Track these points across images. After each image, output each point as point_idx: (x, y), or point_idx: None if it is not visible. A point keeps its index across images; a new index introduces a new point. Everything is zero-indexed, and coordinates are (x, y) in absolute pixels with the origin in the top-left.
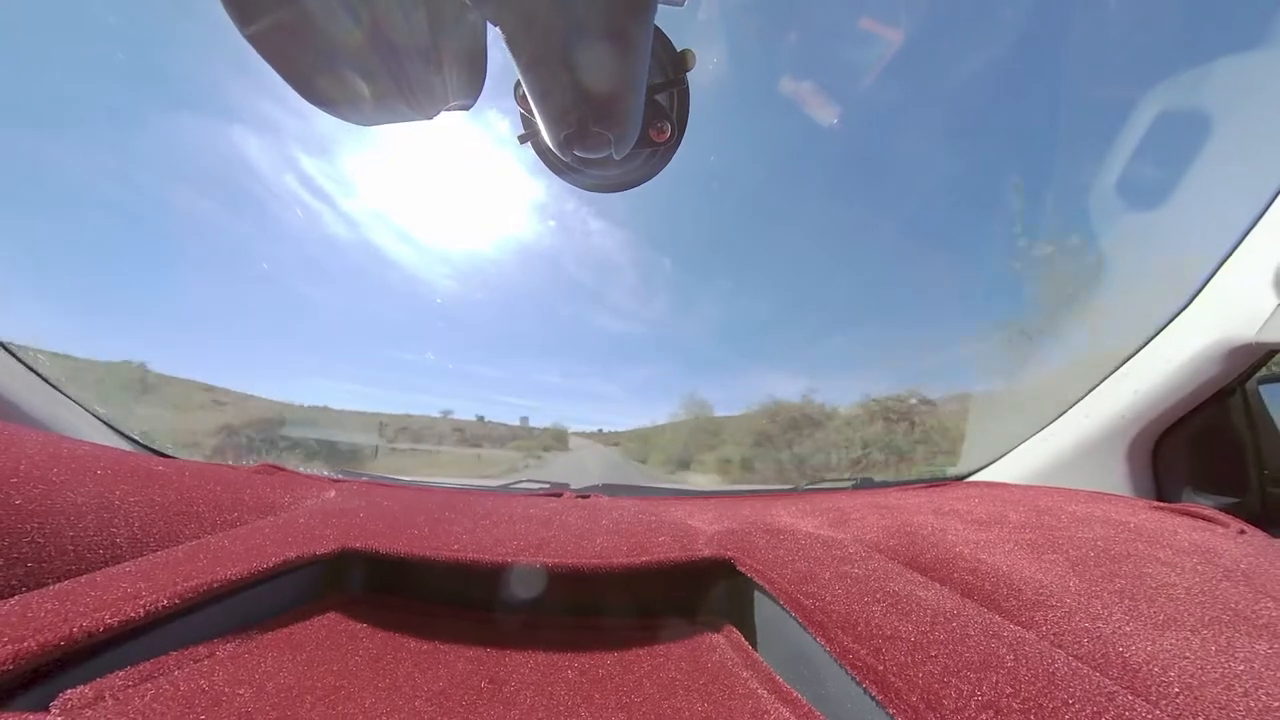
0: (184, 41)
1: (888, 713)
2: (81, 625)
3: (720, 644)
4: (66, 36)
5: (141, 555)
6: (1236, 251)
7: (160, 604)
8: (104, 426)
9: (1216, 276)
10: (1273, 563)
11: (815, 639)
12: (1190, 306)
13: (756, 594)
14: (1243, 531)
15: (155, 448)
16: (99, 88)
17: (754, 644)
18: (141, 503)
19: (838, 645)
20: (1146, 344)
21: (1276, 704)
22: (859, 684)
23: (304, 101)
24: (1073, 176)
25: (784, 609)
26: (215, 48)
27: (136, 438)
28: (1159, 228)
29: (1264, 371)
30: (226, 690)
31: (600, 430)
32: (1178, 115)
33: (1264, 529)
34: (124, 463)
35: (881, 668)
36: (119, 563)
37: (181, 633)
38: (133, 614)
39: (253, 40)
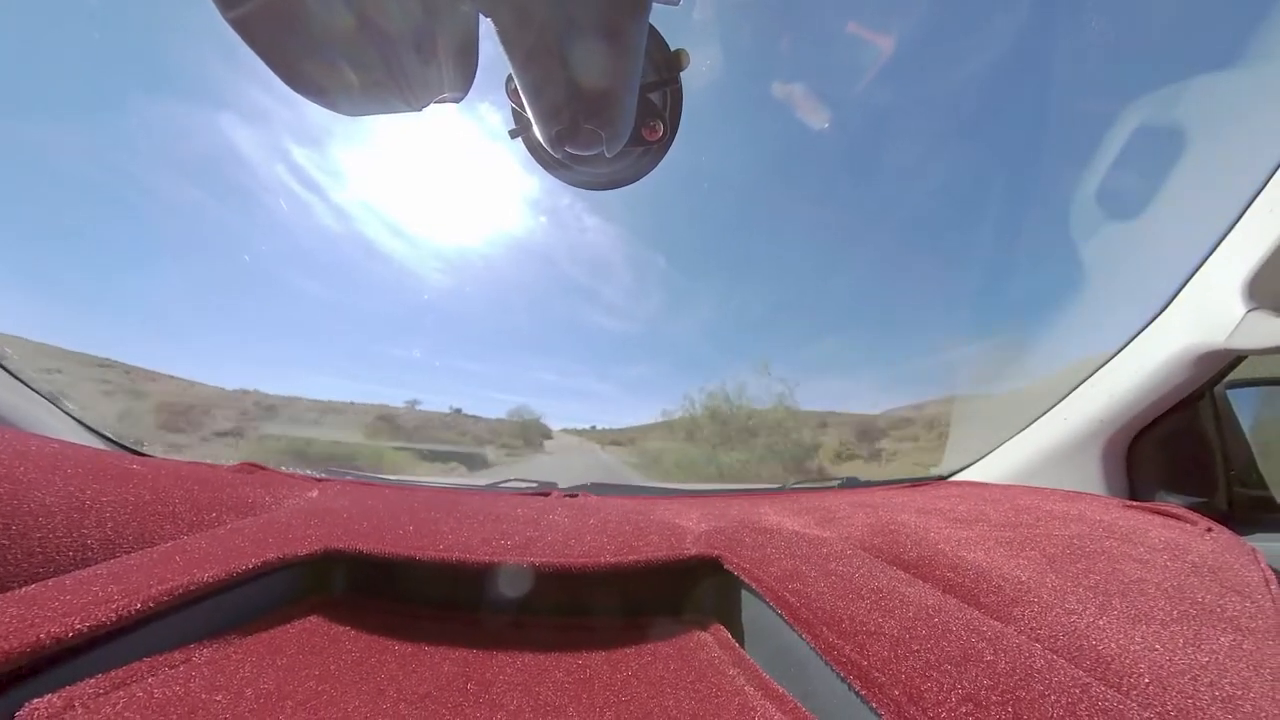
0: (165, 22)
1: (871, 707)
2: (50, 631)
3: (708, 642)
4: (35, 11)
5: (114, 557)
6: (1207, 262)
7: (133, 608)
8: (75, 423)
9: (1188, 286)
10: (1238, 559)
11: (801, 636)
12: (1163, 314)
13: (743, 592)
14: (1210, 530)
15: (130, 445)
16: (69, 67)
17: (741, 641)
18: (114, 502)
19: (823, 642)
20: (1121, 350)
21: (1239, 693)
22: (843, 679)
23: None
24: (1054, 185)
25: (770, 607)
26: (198, 29)
27: (110, 435)
28: (1134, 238)
29: (1232, 377)
30: (203, 697)
31: (593, 427)
32: (1154, 130)
33: (1230, 527)
34: (96, 461)
35: (865, 663)
36: (90, 565)
37: (156, 637)
38: (104, 618)
39: (236, 25)
